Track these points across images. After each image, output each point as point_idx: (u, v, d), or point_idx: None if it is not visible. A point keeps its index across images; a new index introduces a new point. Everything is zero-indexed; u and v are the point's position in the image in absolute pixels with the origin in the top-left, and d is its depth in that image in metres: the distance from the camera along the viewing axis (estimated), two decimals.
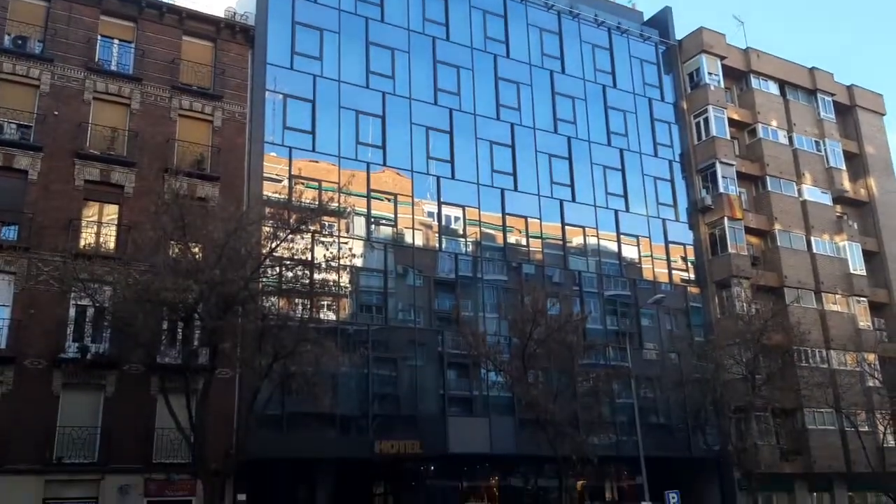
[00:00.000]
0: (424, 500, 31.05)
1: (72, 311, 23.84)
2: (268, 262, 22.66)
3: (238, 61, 29.72)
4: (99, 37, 27.52)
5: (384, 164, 32.04)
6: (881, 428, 36.34)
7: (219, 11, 30.63)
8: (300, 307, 24.21)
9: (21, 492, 22.01)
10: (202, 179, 27.00)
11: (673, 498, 28.43)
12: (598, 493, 34.90)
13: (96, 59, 27.13)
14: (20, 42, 26.14)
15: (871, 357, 39.37)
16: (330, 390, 24.06)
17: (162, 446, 24.13)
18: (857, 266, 42.91)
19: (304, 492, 30.99)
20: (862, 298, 42.21)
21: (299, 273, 23.66)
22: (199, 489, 23.23)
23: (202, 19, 29.44)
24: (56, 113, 25.74)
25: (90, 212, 25.95)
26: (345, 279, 29.25)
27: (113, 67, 27.47)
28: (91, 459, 23.32)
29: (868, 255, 44.21)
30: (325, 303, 28.36)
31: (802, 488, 37.69)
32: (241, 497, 25.27)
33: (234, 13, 30.70)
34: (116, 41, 27.97)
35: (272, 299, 23.88)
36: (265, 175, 29.04)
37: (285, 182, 29.11)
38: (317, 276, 25.36)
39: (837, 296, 41.30)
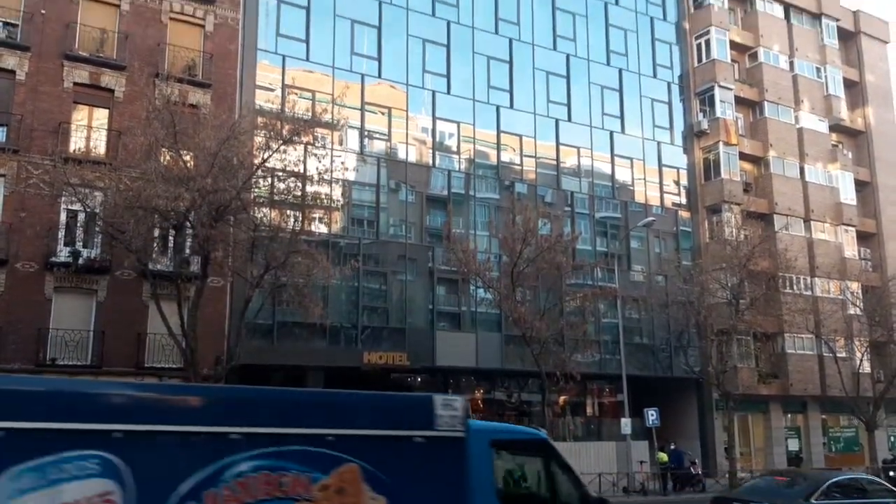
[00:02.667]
0: None
1: (63, 216, 23.82)
2: (260, 172, 22.59)
3: None
4: None
5: (379, 77, 31.54)
6: (858, 354, 37.23)
7: None
8: (292, 219, 24.26)
9: None
10: (193, 86, 26.57)
11: (652, 415, 29.33)
12: (580, 409, 35.95)
13: None
14: None
15: (855, 285, 40.01)
16: (320, 301, 24.32)
17: (154, 351, 24.56)
18: (848, 195, 43.07)
19: None
20: (850, 227, 42.56)
21: (291, 184, 23.60)
22: None
23: None
24: (43, 12, 25.07)
25: (80, 115, 25.64)
26: (337, 192, 29.21)
27: None
28: (84, 361, 23.74)
29: (859, 185, 44.37)
30: (317, 215, 28.38)
31: (777, 410, 38.93)
32: None
33: None
34: None
35: (264, 210, 23.91)
36: (258, 83, 28.61)
37: (278, 91, 28.71)
38: (309, 189, 25.32)
39: (826, 224, 41.61)
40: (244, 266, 23.26)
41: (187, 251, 23.21)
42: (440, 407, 9.02)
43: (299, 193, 24.26)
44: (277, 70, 29.35)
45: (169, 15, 27.19)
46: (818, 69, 44.16)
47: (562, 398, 33.76)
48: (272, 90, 28.84)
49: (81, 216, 23.49)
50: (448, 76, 33.14)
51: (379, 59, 31.57)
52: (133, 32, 26.36)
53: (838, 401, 37.35)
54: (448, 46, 33.28)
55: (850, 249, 42.22)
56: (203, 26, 27.80)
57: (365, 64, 31.25)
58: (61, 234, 23.74)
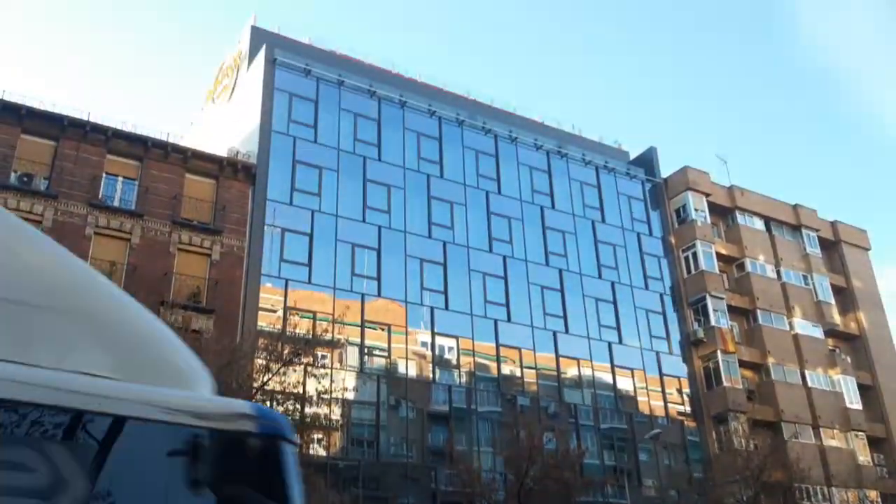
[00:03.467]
0: None
1: None
2: (259, 395, 22.49)
3: (239, 197, 30.60)
4: (104, 174, 28.45)
5: (379, 295, 32.38)
6: None
7: (222, 150, 31.81)
8: None
9: None
10: (197, 312, 27.17)
11: None
12: None
13: (100, 196, 27.93)
14: (26, 179, 27.03)
15: (873, 494, 38.45)
16: None
17: None
18: (853, 400, 42.53)
19: None
20: (860, 433, 41.60)
21: (290, 406, 23.42)
22: None
23: (205, 158, 30.55)
24: None
25: None
26: (336, 412, 28.88)
27: (116, 203, 28.26)
28: None
29: (863, 389, 43.91)
30: (316, 437, 27.86)
31: None
32: None
33: (237, 152, 31.88)
34: (121, 178, 28.92)
35: None
36: (260, 306, 29.27)
37: (280, 313, 29.30)
38: (308, 410, 25.08)
39: (835, 430, 40.70)
40: None
41: None
42: None
43: (298, 416, 24.00)
44: (280, 292, 30.17)
45: (177, 246, 28.44)
46: (805, 277, 45.33)
47: None
48: (274, 311, 29.46)
49: None
50: (446, 293, 34.03)
51: (378, 279, 32.59)
52: (141, 264, 27.32)
53: None
54: (445, 265, 34.50)
55: (863, 456, 41.01)
56: (209, 255, 28.97)
57: (365, 283, 32.22)
58: None
